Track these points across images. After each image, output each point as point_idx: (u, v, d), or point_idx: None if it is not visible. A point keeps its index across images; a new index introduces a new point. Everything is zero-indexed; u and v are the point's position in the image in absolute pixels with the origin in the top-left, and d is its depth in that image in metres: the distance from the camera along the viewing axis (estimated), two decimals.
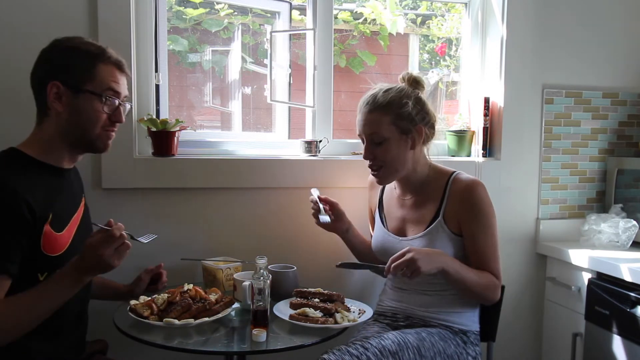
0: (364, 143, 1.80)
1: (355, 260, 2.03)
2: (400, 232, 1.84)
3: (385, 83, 1.81)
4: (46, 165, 1.46)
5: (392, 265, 1.59)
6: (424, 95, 1.81)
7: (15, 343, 1.38)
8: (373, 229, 2.01)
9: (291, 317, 1.61)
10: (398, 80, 1.83)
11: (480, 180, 1.78)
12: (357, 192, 2.17)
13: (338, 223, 1.96)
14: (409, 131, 1.74)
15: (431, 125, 1.79)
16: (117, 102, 1.50)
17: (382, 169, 1.78)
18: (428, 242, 1.74)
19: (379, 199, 1.96)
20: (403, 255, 1.59)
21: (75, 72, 1.45)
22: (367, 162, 1.80)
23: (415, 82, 1.80)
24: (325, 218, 1.89)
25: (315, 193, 1.97)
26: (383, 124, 1.73)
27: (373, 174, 1.81)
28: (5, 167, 1.40)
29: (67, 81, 1.44)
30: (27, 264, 1.37)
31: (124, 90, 1.52)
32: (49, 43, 1.50)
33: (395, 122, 1.73)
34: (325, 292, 1.72)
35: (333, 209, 1.95)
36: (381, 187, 1.96)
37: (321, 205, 1.92)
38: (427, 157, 1.84)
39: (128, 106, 1.56)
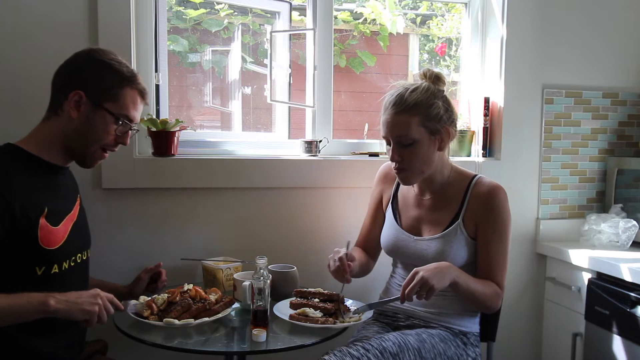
0: (389, 145, 1.74)
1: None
2: (416, 231, 1.81)
3: (404, 81, 1.77)
4: (42, 161, 1.47)
5: (406, 291, 1.55)
6: (446, 92, 1.77)
7: (14, 341, 1.38)
8: (371, 222, 1.97)
9: (291, 317, 1.61)
10: (418, 77, 1.79)
11: (501, 186, 1.75)
12: (357, 192, 2.17)
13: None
14: (438, 132, 1.70)
15: (455, 125, 1.76)
16: (129, 126, 1.53)
17: (407, 171, 1.74)
18: (444, 244, 1.73)
19: (393, 195, 1.92)
20: (413, 278, 1.56)
21: (101, 88, 1.48)
22: (393, 164, 1.75)
23: (437, 79, 1.75)
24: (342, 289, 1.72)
25: (343, 251, 1.73)
26: (412, 126, 1.68)
27: (397, 175, 1.77)
28: (1, 157, 1.42)
29: (91, 93, 1.46)
30: (25, 258, 1.38)
31: (138, 117, 1.56)
32: (85, 50, 1.52)
33: (424, 124, 1.68)
34: (325, 292, 1.72)
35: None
36: (396, 182, 1.91)
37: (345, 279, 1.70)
38: (449, 157, 1.82)
39: (136, 131, 1.59)
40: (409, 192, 1.88)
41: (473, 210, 1.74)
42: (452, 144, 2.33)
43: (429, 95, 1.70)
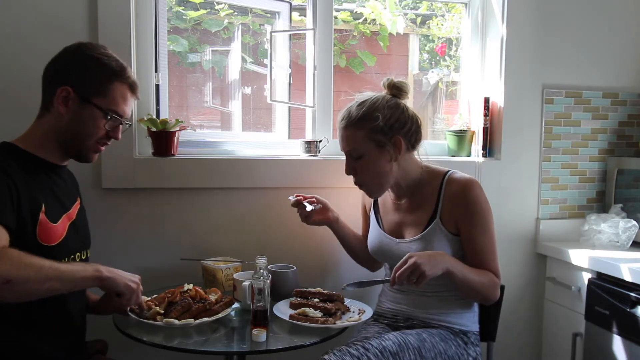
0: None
1: (352, 250, 2.02)
2: (398, 234, 1.83)
3: (367, 92, 1.78)
4: (39, 159, 1.47)
5: (397, 275, 1.57)
6: (405, 100, 1.77)
7: (14, 342, 1.38)
8: (365, 227, 2.00)
9: (291, 317, 1.61)
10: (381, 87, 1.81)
11: (475, 178, 1.76)
12: (357, 192, 2.16)
13: (327, 212, 1.95)
14: (385, 144, 1.71)
15: (414, 131, 1.75)
16: (119, 121, 1.52)
17: (365, 185, 1.78)
18: (426, 244, 1.74)
19: (374, 200, 1.94)
20: (405, 262, 1.57)
21: (89, 83, 1.46)
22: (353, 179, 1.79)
23: (396, 89, 1.76)
24: (310, 206, 1.89)
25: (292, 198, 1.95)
26: (358, 140, 1.71)
27: (360, 189, 1.80)
28: None
29: (79, 89, 1.45)
30: None
31: (129, 112, 1.55)
32: (74, 45, 1.51)
33: (370, 136, 1.70)
34: (325, 292, 1.72)
35: (316, 201, 1.94)
36: None
37: (305, 202, 1.90)
38: (419, 159, 1.81)
39: (127, 125, 1.58)
40: (386, 197, 1.89)
41: (449, 208, 1.74)
42: (452, 144, 2.36)
43: (374, 107, 1.71)
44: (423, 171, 1.81)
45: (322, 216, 1.94)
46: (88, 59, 1.48)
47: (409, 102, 1.81)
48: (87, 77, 1.46)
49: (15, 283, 1.24)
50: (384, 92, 1.79)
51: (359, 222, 2.06)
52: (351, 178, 2.14)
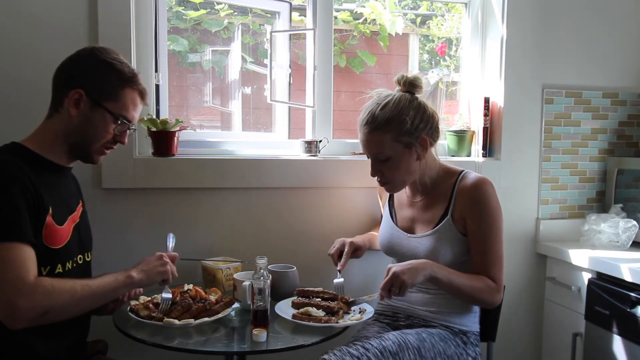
0: (369, 158, 1.77)
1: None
2: (409, 230, 1.84)
3: (383, 90, 1.77)
4: (46, 160, 1.48)
5: (380, 286, 1.59)
6: (422, 97, 1.77)
7: (16, 342, 1.38)
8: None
9: (294, 316, 1.61)
10: (394, 83, 1.80)
11: (487, 178, 1.76)
12: (357, 192, 2.17)
13: (359, 252, 1.96)
14: (412, 144, 1.71)
15: (435, 129, 1.76)
16: (127, 126, 1.53)
17: (389, 183, 1.77)
18: (436, 241, 1.74)
19: (390, 194, 1.94)
20: (387, 274, 1.59)
21: (102, 88, 1.48)
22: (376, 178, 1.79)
23: (411, 85, 1.75)
24: (337, 281, 1.86)
25: (337, 244, 1.94)
26: (385, 143, 1.70)
27: (381, 186, 1.80)
28: (9, 154, 1.42)
29: (92, 93, 1.46)
30: None
31: (137, 117, 1.57)
32: (87, 48, 1.53)
33: (398, 139, 1.70)
34: (328, 291, 1.73)
35: (353, 251, 1.94)
36: None
37: (337, 271, 1.89)
38: (436, 157, 1.82)
39: (133, 130, 1.60)
40: (402, 193, 1.89)
41: (460, 206, 1.74)
42: (452, 144, 2.36)
43: (400, 109, 1.70)
44: (440, 170, 1.82)
45: (355, 255, 1.95)
46: (102, 63, 1.49)
47: None
48: (100, 82, 1.48)
49: (52, 312, 1.33)
50: (397, 88, 1.77)
51: (360, 220, 2.06)
52: (351, 178, 2.16)
